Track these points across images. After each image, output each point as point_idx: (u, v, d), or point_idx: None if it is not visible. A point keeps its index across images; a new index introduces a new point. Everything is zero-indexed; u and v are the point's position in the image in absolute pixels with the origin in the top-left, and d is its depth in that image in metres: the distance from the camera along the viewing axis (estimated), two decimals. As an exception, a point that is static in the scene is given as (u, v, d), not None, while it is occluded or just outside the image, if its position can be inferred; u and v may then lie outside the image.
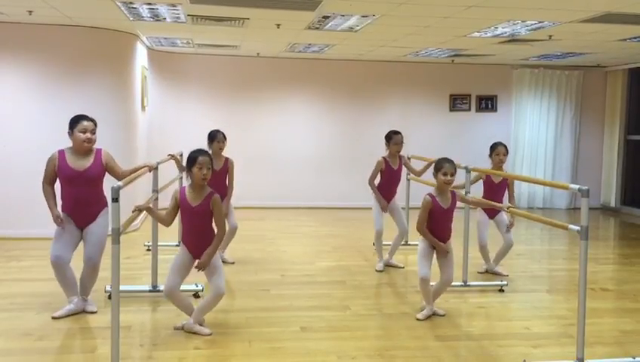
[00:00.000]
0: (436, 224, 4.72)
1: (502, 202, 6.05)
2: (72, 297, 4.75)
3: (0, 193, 7.50)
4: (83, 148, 4.67)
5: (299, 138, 10.92)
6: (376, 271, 6.36)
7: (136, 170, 4.85)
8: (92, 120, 4.73)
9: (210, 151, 5.75)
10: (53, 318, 4.62)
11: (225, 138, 6.28)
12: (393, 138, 6.34)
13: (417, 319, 4.78)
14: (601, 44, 8.37)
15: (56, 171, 4.66)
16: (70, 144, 4.71)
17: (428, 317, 4.80)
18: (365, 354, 4.06)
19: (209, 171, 4.26)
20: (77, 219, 4.70)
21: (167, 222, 4.37)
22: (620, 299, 5.62)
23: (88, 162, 4.70)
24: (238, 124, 10.37)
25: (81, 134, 4.64)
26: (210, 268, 4.29)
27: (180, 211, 4.33)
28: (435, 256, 4.80)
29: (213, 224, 4.36)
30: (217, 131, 6.28)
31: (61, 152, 4.70)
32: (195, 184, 4.26)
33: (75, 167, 4.65)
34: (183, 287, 5.35)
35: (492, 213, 6.14)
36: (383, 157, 6.39)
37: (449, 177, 4.65)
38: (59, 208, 4.70)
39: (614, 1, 5.59)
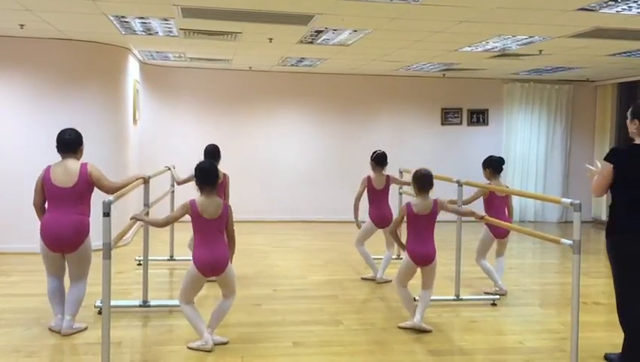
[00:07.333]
0: (413, 229, 4.82)
1: (504, 214, 5.90)
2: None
3: (-11, 207, 7.43)
4: None
5: (291, 152, 10.92)
6: (377, 282, 6.40)
7: None
8: None
9: None
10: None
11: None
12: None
13: (398, 326, 4.88)
14: (590, 59, 8.44)
15: None
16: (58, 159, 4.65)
17: (420, 331, 4.78)
18: (358, 370, 4.04)
19: None
20: None
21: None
22: (612, 313, 5.56)
23: None
24: (229, 137, 10.36)
25: None
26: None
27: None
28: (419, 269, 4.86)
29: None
30: (217, 146, 6.22)
31: None
32: None
33: None
34: (170, 302, 5.35)
35: (501, 232, 5.83)
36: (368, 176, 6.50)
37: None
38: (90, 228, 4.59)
39: (604, 17, 5.65)
